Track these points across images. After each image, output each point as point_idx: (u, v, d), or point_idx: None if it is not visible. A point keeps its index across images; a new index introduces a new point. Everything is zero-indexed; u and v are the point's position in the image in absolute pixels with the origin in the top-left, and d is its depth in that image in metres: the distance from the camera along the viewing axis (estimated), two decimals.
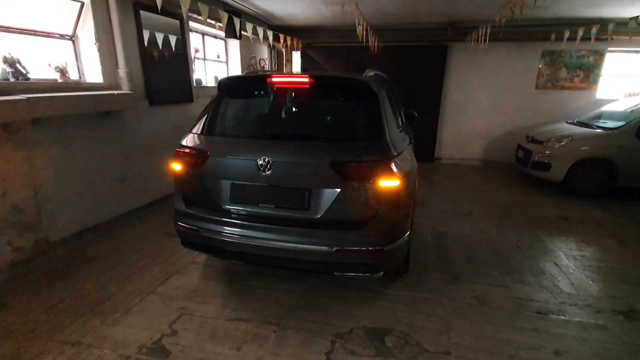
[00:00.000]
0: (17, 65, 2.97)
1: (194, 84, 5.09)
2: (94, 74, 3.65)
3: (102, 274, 2.90)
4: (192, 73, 5.03)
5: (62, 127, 3.21)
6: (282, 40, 6.62)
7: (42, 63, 3.26)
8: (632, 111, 5.20)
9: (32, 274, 2.88)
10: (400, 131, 2.85)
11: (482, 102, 7.35)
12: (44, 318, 2.35)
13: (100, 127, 3.61)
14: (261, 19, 6.60)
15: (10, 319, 2.33)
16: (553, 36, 5.65)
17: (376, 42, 6.42)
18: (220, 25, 4.13)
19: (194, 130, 2.64)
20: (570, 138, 5.22)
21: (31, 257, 3.03)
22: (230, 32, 4.88)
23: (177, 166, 2.57)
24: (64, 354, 2.06)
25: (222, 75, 6.16)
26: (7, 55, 2.92)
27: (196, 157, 2.48)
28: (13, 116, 2.63)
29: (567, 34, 5.32)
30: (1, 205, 2.78)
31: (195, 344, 2.17)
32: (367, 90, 2.48)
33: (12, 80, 2.93)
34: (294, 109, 2.78)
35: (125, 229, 3.80)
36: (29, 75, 3.07)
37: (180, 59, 4.70)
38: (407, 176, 2.35)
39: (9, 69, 2.93)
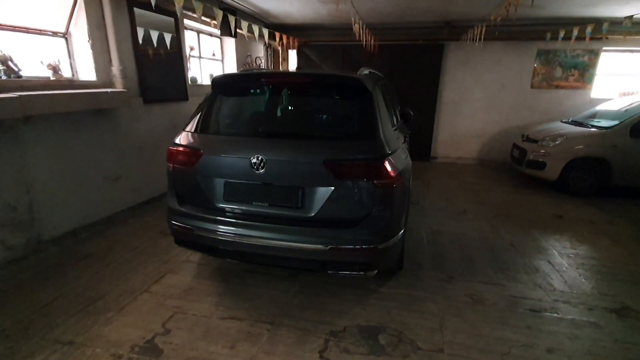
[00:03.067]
0: (9, 62, 2.95)
1: (189, 82, 5.07)
2: (87, 72, 3.62)
3: (95, 273, 2.89)
4: (187, 71, 5.01)
5: (55, 125, 3.19)
6: (277, 39, 6.61)
7: (34, 61, 3.23)
8: (626, 110, 5.23)
9: (25, 272, 2.85)
10: (394, 129, 2.85)
11: (478, 101, 7.37)
12: (36, 317, 2.34)
13: (93, 125, 3.59)
14: (257, 17, 6.58)
15: (2, 318, 2.31)
16: (548, 35, 5.67)
17: (372, 41, 6.41)
18: (216, 23, 4.12)
19: (188, 129, 2.62)
20: (564, 137, 5.25)
21: (23, 255, 3.01)
22: (226, 30, 4.85)
23: (170, 164, 2.55)
24: (56, 352, 2.05)
25: (217, 73, 6.12)
26: None
27: (190, 155, 2.47)
28: (5, 114, 2.60)
29: (562, 33, 5.35)
30: None
31: (188, 343, 2.16)
32: (361, 89, 2.47)
33: (4, 78, 2.91)
34: (288, 107, 2.77)
35: (119, 227, 3.78)
36: (21, 73, 3.05)
37: (175, 56, 4.67)
38: (401, 174, 2.35)
39: (0, 67, 2.90)
